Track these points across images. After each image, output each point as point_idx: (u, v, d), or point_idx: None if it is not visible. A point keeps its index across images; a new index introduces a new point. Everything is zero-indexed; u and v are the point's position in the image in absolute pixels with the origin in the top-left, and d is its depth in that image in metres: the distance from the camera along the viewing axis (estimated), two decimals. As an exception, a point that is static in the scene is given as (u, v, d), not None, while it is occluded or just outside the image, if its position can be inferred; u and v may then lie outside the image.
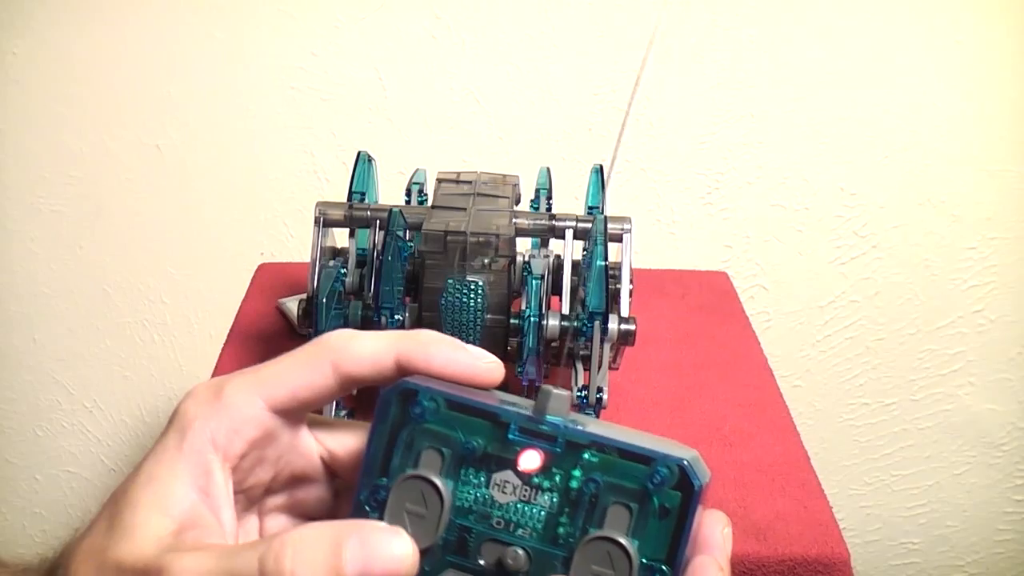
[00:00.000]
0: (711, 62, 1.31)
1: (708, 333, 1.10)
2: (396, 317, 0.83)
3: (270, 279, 1.17)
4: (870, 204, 1.38)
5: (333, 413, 0.84)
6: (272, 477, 0.42)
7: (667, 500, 0.37)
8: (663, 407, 0.96)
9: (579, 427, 0.38)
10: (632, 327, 0.84)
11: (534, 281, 0.83)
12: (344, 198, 0.90)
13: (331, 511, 0.44)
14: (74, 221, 1.40)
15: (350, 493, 0.40)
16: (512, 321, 0.84)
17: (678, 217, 1.39)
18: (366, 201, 0.91)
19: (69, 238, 1.41)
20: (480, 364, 0.40)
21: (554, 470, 0.38)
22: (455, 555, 0.39)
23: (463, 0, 1.27)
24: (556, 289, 0.88)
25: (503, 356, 0.84)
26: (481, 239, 0.82)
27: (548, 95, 1.32)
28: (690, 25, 1.29)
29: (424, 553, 0.37)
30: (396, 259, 0.83)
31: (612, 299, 0.85)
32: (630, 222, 0.89)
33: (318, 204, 0.89)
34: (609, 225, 0.86)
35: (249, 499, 0.42)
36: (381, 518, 0.39)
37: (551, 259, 0.89)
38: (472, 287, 0.82)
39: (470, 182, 0.91)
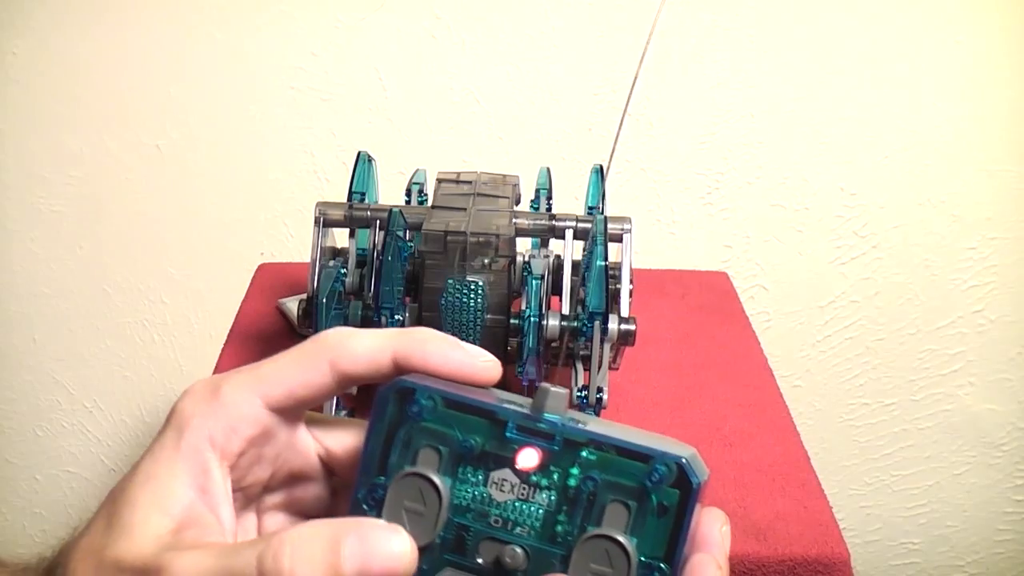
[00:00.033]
0: (711, 62, 1.31)
1: (708, 333, 1.10)
2: (396, 317, 0.83)
3: (270, 279, 1.17)
4: (870, 204, 1.38)
5: (333, 413, 0.84)
6: (270, 475, 0.42)
7: (665, 498, 0.37)
8: (663, 407, 0.96)
9: (577, 425, 0.38)
10: (632, 327, 0.84)
11: (534, 281, 0.83)
12: (344, 198, 0.90)
13: (329, 509, 0.44)
14: (74, 221, 1.40)
15: (348, 491, 0.40)
16: (512, 321, 0.84)
17: (678, 217, 1.39)
18: (366, 201, 0.91)
19: (69, 238, 1.41)
20: (477, 363, 0.40)
21: (552, 468, 0.38)
22: (453, 553, 0.39)
23: (463, 0, 1.27)
24: (556, 289, 0.88)
25: (503, 356, 0.84)
26: (481, 239, 0.82)
27: (548, 95, 1.32)
28: (690, 25, 1.29)
29: (422, 551, 0.37)
30: (396, 259, 0.83)
31: (612, 299, 0.85)
32: (630, 222, 0.89)
33: (318, 204, 0.89)
34: (609, 225, 0.86)
35: (247, 497, 0.42)
36: (379, 516, 0.39)
37: (551, 259, 0.89)
38: (472, 287, 0.82)
39: (470, 182, 0.91)
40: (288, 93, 1.32)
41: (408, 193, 0.96)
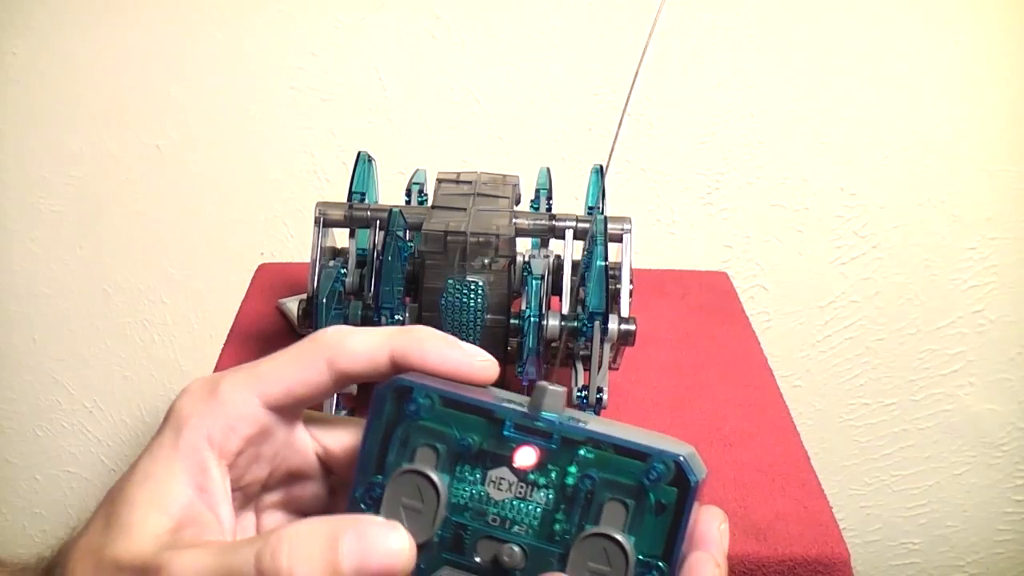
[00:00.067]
0: (711, 62, 1.31)
1: (708, 333, 1.10)
2: (396, 317, 0.83)
3: (270, 279, 1.17)
4: (870, 204, 1.38)
5: (333, 412, 0.84)
6: (268, 474, 0.42)
7: (663, 496, 0.37)
8: (663, 407, 0.96)
9: (575, 423, 0.38)
10: (632, 327, 0.84)
11: (534, 281, 0.83)
12: (344, 198, 0.90)
13: (327, 508, 0.44)
14: (74, 221, 1.40)
15: (346, 490, 0.40)
16: (512, 321, 0.84)
17: (678, 217, 1.39)
18: (366, 201, 0.91)
19: (69, 238, 1.41)
20: (475, 362, 0.40)
21: (550, 467, 0.38)
22: (451, 552, 0.39)
23: (463, 0, 1.27)
24: (556, 289, 0.88)
25: (503, 356, 0.84)
26: (481, 239, 0.82)
27: (548, 95, 1.32)
28: (690, 25, 1.29)
29: (420, 549, 0.37)
30: (396, 259, 0.83)
31: (612, 299, 0.85)
32: (630, 222, 0.89)
33: (318, 204, 0.89)
34: (609, 225, 0.86)
35: (246, 496, 0.42)
36: (377, 515, 0.39)
37: (551, 259, 0.89)
38: (472, 287, 0.82)
39: (470, 182, 0.91)
40: (288, 93, 1.32)
41: (408, 193, 0.96)
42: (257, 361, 0.40)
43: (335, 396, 0.84)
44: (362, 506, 0.39)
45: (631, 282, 0.88)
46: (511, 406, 0.39)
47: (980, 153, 1.36)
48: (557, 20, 1.28)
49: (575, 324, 0.83)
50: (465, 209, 0.86)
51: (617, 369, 0.89)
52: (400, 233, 0.84)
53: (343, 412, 0.87)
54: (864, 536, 1.61)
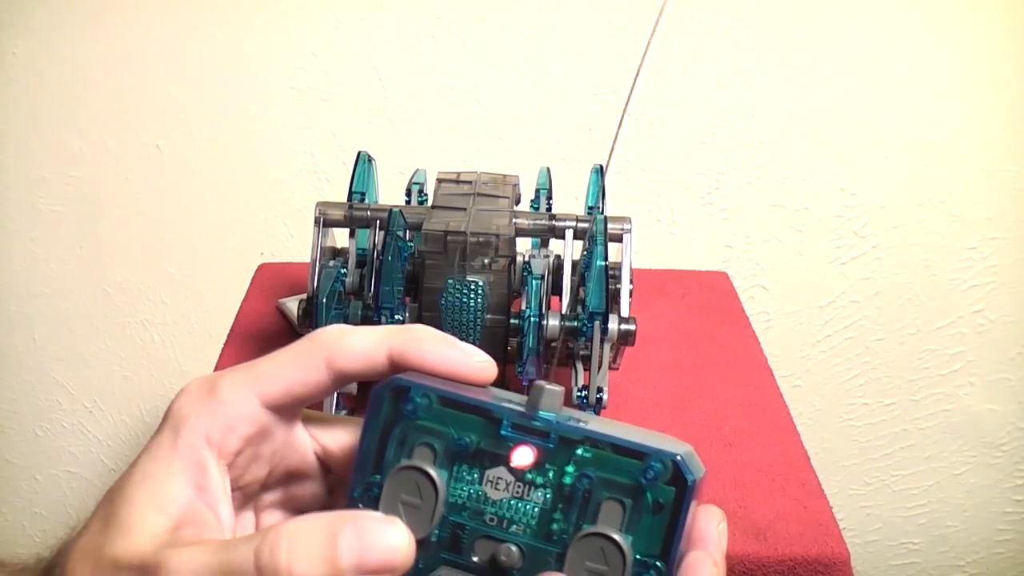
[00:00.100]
0: (711, 62, 1.31)
1: (708, 333, 1.10)
2: (396, 317, 0.83)
3: (270, 279, 1.17)
4: (870, 204, 1.38)
5: (333, 412, 0.84)
6: (267, 473, 0.42)
7: (661, 495, 0.37)
8: (663, 407, 0.96)
9: (572, 423, 0.38)
10: (632, 327, 0.84)
11: (534, 281, 0.83)
12: (344, 198, 0.90)
13: (326, 507, 0.44)
14: (74, 221, 1.40)
15: (345, 489, 0.40)
16: (512, 321, 0.84)
17: (678, 217, 1.39)
18: (366, 201, 0.91)
19: (69, 238, 1.41)
20: (472, 362, 0.40)
21: (547, 466, 0.38)
22: (449, 552, 0.39)
23: (463, 0, 1.27)
24: (556, 289, 0.88)
25: (503, 356, 0.84)
26: (481, 239, 0.82)
27: (548, 95, 1.32)
28: (690, 25, 1.29)
29: (419, 546, 0.37)
30: (396, 259, 0.83)
31: (612, 299, 0.85)
32: (630, 222, 0.89)
33: (318, 204, 0.89)
34: (609, 225, 0.86)
35: (245, 496, 0.42)
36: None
37: (551, 259, 0.89)
38: (472, 287, 0.83)
39: (470, 182, 0.91)
40: (288, 93, 1.32)
41: (408, 193, 0.96)
42: (255, 360, 0.40)
43: (335, 395, 0.84)
44: (360, 506, 0.39)
45: (631, 282, 0.88)
46: (509, 405, 0.39)
47: (980, 153, 1.36)
48: (557, 20, 1.28)
49: (575, 324, 0.83)
50: (465, 209, 0.86)
51: (617, 369, 0.89)
52: (400, 233, 0.84)
53: (343, 411, 0.87)
54: (864, 536, 1.61)
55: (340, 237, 0.92)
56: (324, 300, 0.83)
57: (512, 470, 0.39)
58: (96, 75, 1.31)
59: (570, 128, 1.33)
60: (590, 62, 1.30)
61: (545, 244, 0.91)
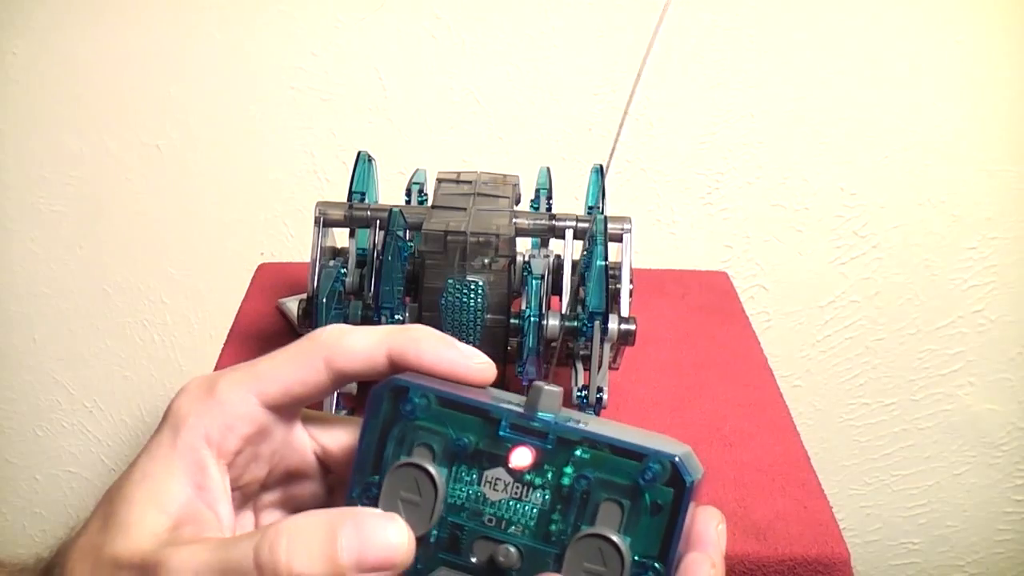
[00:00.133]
0: (711, 62, 1.31)
1: (708, 333, 1.10)
2: (396, 317, 0.83)
3: (270, 279, 1.17)
4: (870, 204, 1.38)
5: (333, 412, 0.84)
6: (267, 473, 0.42)
7: (659, 496, 0.37)
8: (663, 407, 0.96)
9: (570, 423, 0.38)
10: (632, 327, 0.84)
11: (534, 281, 0.83)
12: (344, 198, 0.90)
13: (325, 507, 0.43)
14: (74, 221, 1.40)
15: (344, 489, 0.40)
16: (512, 321, 0.84)
17: (678, 217, 1.39)
18: (366, 201, 0.91)
19: (69, 238, 1.41)
20: (471, 363, 0.40)
21: (546, 467, 0.38)
22: (447, 552, 0.39)
23: (463, 0, 1.27)
24: (556, 289, 0.88)
25: (503, 356, 0.84)
26: (481, 239, 0.82)
27: (548, 95, 1.32)
28: (690, 25, 1.28)
29: (417, 545, 0.37)
30: (396, 259, 0.83)
31: (612, 299, 0.85)
32: (630, 222, 0.89)
33: (318, 204, 0.89)
34: (609, 225, 0.86)
35: (244, 495, 0.42)
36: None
37: (551, 259, 0.89)
38: (472, 287, 0.83)
39: (470, 182, 0.91)
40: (288, 93, 1.32)
41: (408, 193, 0.96)
42: (255, 360, 0.40)
43: (335, 395, 0.84)
44: (359, 505, 0.39)
45: (631, 282, 0.88)
46: (507, 406, 0.39)
47: (980, 153, 1.36)
48: (557, 20, 1.28)
49: (575, 324, 0.83)
50: (465, 209, 0.86)
51: (617, 369, 0.89)
52: (400, 233, 0.84)
53: (343, 411, 0.87)
54: (864, 536, 1.61)
55: (340, 237, 0.92)
56: (324, 300, 0.83)
57: (511, 471, 0.39)
58: (96, 75, 1.31)
59: (570, 128, 1.33)
60: (590, 62, 1.30)
61: (545, 244, 0.91)
